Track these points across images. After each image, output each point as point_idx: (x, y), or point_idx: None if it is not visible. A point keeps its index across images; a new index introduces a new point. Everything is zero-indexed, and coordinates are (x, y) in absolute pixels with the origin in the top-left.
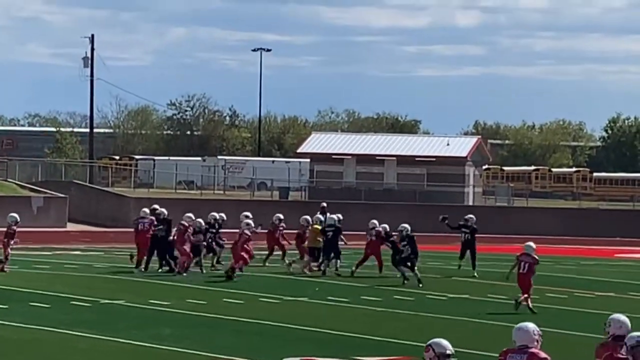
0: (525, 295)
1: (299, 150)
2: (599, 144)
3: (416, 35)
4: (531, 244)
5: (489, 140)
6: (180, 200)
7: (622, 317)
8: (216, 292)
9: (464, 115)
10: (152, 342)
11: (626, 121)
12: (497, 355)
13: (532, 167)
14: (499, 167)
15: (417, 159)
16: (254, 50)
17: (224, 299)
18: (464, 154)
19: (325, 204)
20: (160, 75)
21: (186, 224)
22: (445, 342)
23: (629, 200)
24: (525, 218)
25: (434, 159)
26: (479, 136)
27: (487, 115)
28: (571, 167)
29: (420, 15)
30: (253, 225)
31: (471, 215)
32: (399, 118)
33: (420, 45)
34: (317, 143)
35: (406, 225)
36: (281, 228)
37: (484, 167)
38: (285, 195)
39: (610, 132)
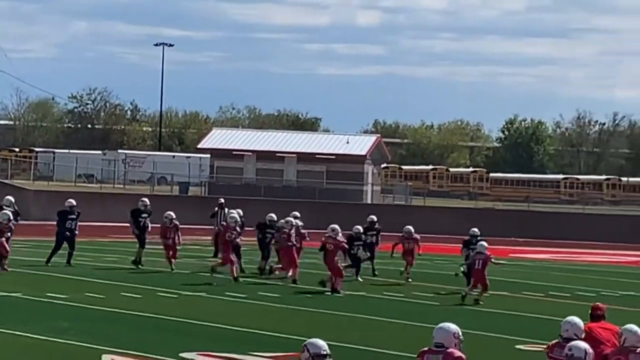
0: (475, 289)
1: (199, 146)
2: (496, 144)
3: (318, 34)
4: (484, 243)
5: (388, 139)
6: (80, 194)
7: (576, 320)
8: (115, 286)
9: (364, 114)
10: (49, 336)
11: (523, 123)
12: (393, 352)
13: (430, 167)
14: (398, 166)
15: (317, 156)
16: (156, 45)
17: (122, 293)
18: (363, 153)
19: (223, 200)
20: (63, 68)
21: None
22: (321, 342)
23: (524, 201)
24: (423, 217)
25: (333, 157)
26: (378, 135)
27: (386, 114)
28: (468, 167)
29: (322, 13)
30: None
31: (373, 216)
32: (300, 116)
33: (321, 44)
34: (218, 139)
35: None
36: (172, 225)
37: (382, 166)
38: (185, 191)
39: (507, 133)
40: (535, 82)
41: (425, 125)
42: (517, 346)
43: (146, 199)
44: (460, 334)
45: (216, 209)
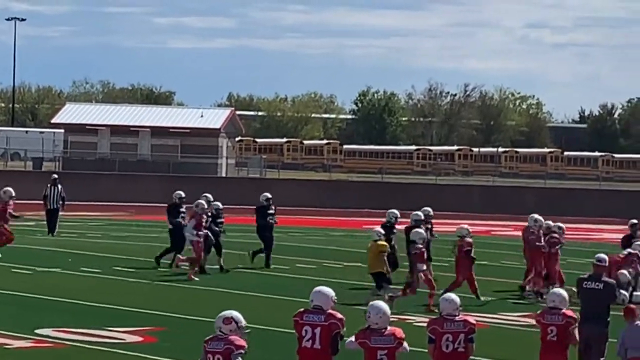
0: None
1: (53, 121)
2: (349, 116)
3: (168, 6)
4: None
5: (242, 112)
6: None
7: (561, 291)
8: None
9: (217, 87)
10: None
11: (375, 94)
12: (258, 325)
13: (284, 139)
14: (252, 139)
15: (171, 130)
16: (7, 19)
17: None
18: (217, 126)
19: (56, 175)
20: None
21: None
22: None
23: (377, 173)
24: (277, 189)
25: (188, 131)
26: (232, 108)
27: (240, 87)
28: (322, 139)
29: None
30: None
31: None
32: (154, 89)
33: (172, 17)
34: (72, 114)
35: None
36: (11, 204)
37: (237, 139)
38: (38, 166)
39: (360, 105)
40: (386, 53)
41: (279, 98)
42: None
43: (181, 192)
44: (336, 298)
45: (49, 185)
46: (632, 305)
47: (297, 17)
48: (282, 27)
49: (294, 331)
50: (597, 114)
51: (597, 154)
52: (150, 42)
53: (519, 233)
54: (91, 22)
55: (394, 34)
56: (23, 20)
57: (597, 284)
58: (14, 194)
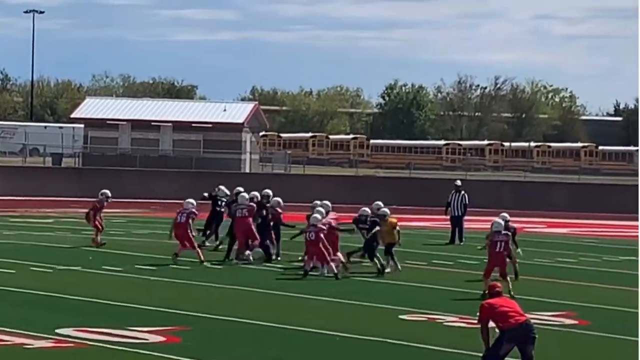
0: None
1: (72, 115)
2: (376, 110)
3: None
4: (500, 220)
5: (266, 107)
6: None
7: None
8: None
9: (240, 81)
10: None
11: (403, 88)
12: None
13: (310, 134)
14: (276, 133)
15: (193, 125)
16: (26, 12)
17: None
18: (240, 120)
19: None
20: None
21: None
22: None
23: (405, 168)
24: (302, 185)
25: (210, 125)
26: (256, 102)
27: (264, 81)
28: (348, 134)
29: None
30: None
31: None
32: (175, 83)
33: (174, 10)
34: (92, 108)
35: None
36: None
37: (261, 134)
38: (58, 162)
39: (387, 98)
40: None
41: (304, 92)
42: (401, 316)
43: (223, 187)
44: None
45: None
46: None
47: (301, 9)
48: (284, 19)
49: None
50: (633, 107)
51: (632, 148)
52: (152, 34)
53: (551, 230)
54: (92, 15)
55: (400, 27)
56: (42, 12)
57: None
58: (109, 194)
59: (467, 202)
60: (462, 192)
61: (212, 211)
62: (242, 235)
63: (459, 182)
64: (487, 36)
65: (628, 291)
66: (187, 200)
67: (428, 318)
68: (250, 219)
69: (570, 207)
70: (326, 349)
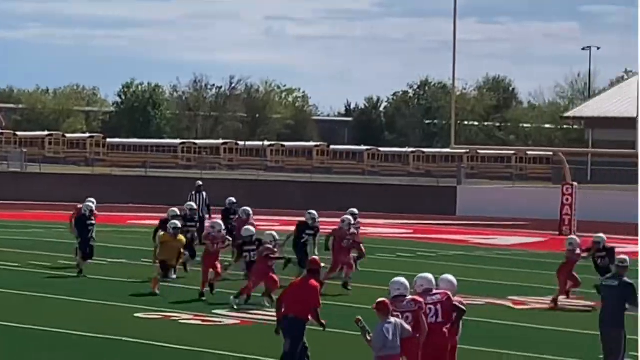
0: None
1: None
2: (112, 109)
3: None
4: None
5: (2, 105)
6: None
7: (402, 279)
8: None
9: None
10: None
11: (140, 86)
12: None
13: (46, 133)
14: (12, 132)
15: None
16: None
17: None
18: None
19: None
20: None
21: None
22: None
23: (141, 166)
24: (39, 184)
25: None
26: None
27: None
28: (85, 132)
29: None
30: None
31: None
32: None
33: None
34: None
35: None
36: None
37: None
38: None
39: (124, 97)
40: (152, 44)
41: (40, 90)
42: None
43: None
44: None
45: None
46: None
47: (32, 6)
48: (17, 16)
49: None
50: (363, 107)
51: (362, 147)
52: None
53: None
54: None
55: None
56: None
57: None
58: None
59: (209, 202)
60: (204, 192)
61: None
62: None
63: (200, 182)
64: (222, 36)
65: None
66: None
67: (164, 316)
68: None
69: (303, 206)
70: (65, 347)
